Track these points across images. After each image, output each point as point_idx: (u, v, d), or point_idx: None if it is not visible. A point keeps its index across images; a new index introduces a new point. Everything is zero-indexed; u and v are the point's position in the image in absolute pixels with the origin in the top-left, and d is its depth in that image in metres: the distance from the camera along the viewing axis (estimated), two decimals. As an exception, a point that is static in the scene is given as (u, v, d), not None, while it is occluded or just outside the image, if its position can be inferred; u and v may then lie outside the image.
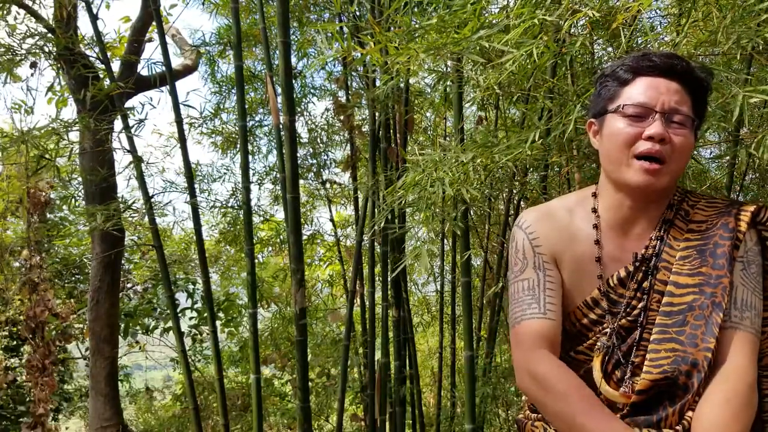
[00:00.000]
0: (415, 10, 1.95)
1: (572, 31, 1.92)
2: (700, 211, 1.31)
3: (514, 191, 3.42)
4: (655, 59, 1.24)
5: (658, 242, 1.29)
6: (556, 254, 1.34)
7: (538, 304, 1.30)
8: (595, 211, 1.35)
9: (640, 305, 1.28)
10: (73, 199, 5.10)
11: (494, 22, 1.65)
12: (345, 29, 2.75)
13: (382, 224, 2.95)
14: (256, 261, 5.61)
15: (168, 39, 4.57)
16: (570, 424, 1.19)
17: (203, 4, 4.87)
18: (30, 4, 3.83)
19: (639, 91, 1.24)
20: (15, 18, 3.70)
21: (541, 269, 1.33)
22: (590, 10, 1.49)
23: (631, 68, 1.26)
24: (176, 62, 5.34)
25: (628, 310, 1.28)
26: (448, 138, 4.32)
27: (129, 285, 6.95)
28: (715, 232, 1.26)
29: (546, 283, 1.32)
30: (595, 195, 1.36)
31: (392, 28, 1.85)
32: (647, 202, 1.29)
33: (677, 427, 1.18)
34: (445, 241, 4.50)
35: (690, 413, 1.18)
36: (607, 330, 1.30)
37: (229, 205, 5.44)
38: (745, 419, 1.13)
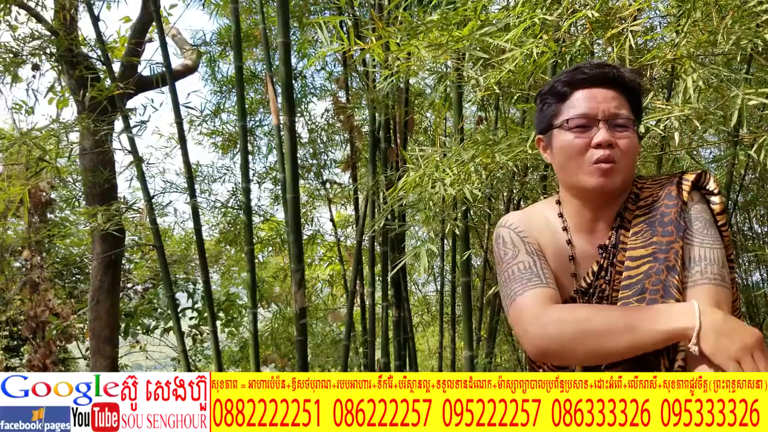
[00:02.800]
0: (415, 9, 1.95)
1: (572, 31, 1.93)
2: (646, 189, 1.37)
3: (514, 191, 3.43)
4: (587, 71, 1.30)
5: (615, 231, 1.34)
6: (542, 247, 1.38)
7: (540, 278, 1.29)
8: (561, 215, 1.40)
9: (608, 287, 1.32)
10: (75, 200, 5.10)
11: (495, 21, 1.66)
12: (346, 23, 2.75)
13: (382, 224, 2.95)
14: (257, 261, 5.62)
15: (168, 39, 4.58)
16: (603, 335, 1.14)
17: (204, 5, 4.88)
18: (32, 5, 3.83)
19: (579, 103, 1.30)
20: (16, 19, 3.71)
21: (535, 254, 1.35)
22: (590, 10, 1.50)
23: (567, 83, 1.32)
24: (176, 62, 5.34)
25: (599, 296, 1.33)
26: (448, 138, 4.32)
27: (129, 285, 6.95)
28: (660, 203, 1.31)
29: (542, 264, 1.33)
30: (559, 202, 1.42)
31: (392, 25, 1.85)
32: (605, 204, 1.34)
33: None
34: (445, 241, 4.50)
35: None
36: None
37: (230, 205, 5.44)
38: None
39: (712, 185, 1.33)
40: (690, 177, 1.33)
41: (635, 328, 1.12)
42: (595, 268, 1.34)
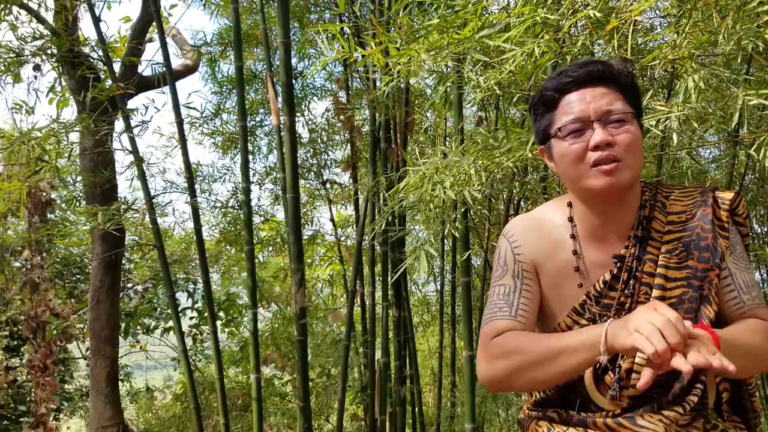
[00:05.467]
0: (415, 11, 1.95)
1: (572, 31, 1.93)
2: (676, 201, 1.33)
3: (514, 192, 3.42)
4: (572, 74, 1.27)
5: (638, 240, 1.30)
6: (538, 263, 1.36)
7: (510, 308, 1.33)
8: (571, 220, 1.37)
9: (629, 301, 1.29)
10: (75, 200, 5.11)
11: (495, 22, 1.66)
12: (346, 29, 2.75)
13: (383, 228, 2.95)
14: (257, 261, 5.62)
15: (168, 39, 4.58)
16: (540, 367, 1.21)
17: (204, 5, 4.88)
18: (33, 6, 3.84)
19: (569, 108, 1.27)
20: (17, 19, 3.71)
21: (520, 277, 1.35)
22: (591, 10, 1.50)
23: (554, 89, 1.29)
24: (177, 62, 5.35)
25: (617, 308, 1.29)
26: (448, 138, 4.33)
27: (129, 285, 6.95)
28: (696, 224, 1.28)
29: (522, 291, 1.34)
30: (570, 205, 1.38)
31: (392, 29, 1.85)
32: (616, 206, 1.30)
33: (677, 408, 1.20)
34: (446, 240, 4.50)
35: (692, 397, 1.20)
36: None
37: (230, 205, 5.44)
38: (758, 343, 1.18)
39: (741, 209, 1.33)
40: (727, 197, 1.30)
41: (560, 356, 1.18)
42: (608, 277, 1.30)
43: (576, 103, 1.26)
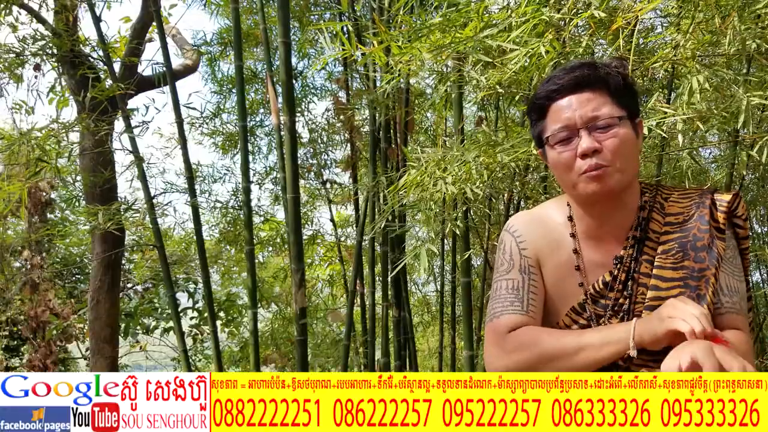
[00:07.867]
0: (417, 10, 1.95)
1: (573, 31, 1.93)
2: (674, 203, 1.33)
3: (515, 191, 3.42)
4: (558, 81, 1.26)
5: (636, 241, 1.30)
6: (540, 259, 1.36)
7: (521, 303, 1.32)
8: (570, 219, 1.37)
9: (627, 302, 1.29)
10: (75, 200, 5.10)
11: (497, 21, 1.66)
12: (348, 27, 2.75)
13: (383, 226, 2.95)
14: (257, 261, 5.61)
15: (168, 39, 4.58)
16: (563, 359, 1.21)
17: (204, 5, 4.87)
18: (33, 6, 3.84)
19: (557, 116, 1.26)
20: (17, 19, 3.71)
21: (527, 273, 1.35)
22: (595, 9, 1.50)
23: (543, 96, 1.28)
24: (177, 62, 5.34)
25: (615, 308, 1.30)
26: (448, 138, 4.32)
27: (129, 285, 6.95)
28: (693, 224, 1.28)
29: (530, 286, 1.34)
30: (569, 204, 1.38)
31: (393, 28, 1.85)
32: (613, 208, 1.30)
33: None
34: (446, 240, 4.50)
35: None
36: None
37: (230, 205, 5.44)
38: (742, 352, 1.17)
39: (740, 211, 1.32)
40: (725, 199, 1.30)
41: (584, 348, 1.20)
42: (608, 278, 1.30)
43: (563, 111, 1.25)
